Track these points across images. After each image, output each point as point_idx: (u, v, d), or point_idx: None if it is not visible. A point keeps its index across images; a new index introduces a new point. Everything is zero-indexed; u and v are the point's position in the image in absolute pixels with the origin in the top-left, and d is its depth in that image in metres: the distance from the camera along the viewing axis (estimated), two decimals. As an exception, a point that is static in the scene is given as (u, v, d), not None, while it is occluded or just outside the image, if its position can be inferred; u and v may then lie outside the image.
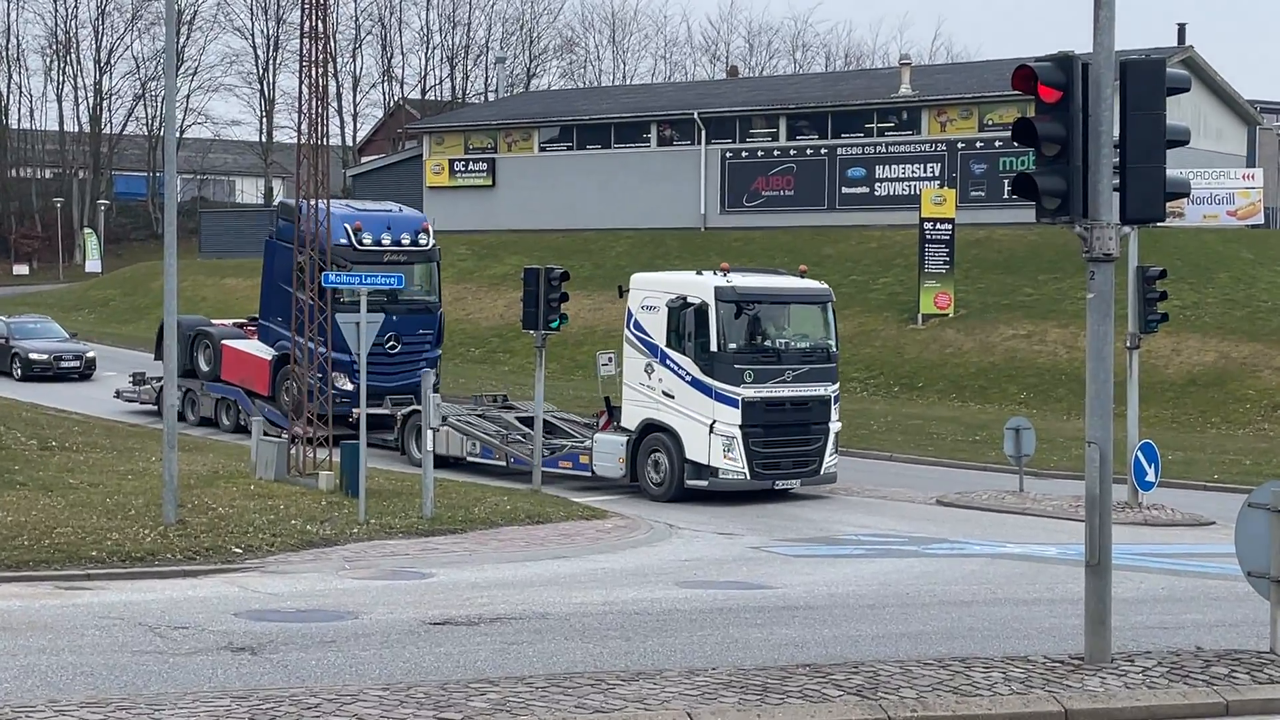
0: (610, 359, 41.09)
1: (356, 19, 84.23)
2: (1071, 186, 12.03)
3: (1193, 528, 24.44)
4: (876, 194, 50.44)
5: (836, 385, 26.90)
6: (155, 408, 34.19)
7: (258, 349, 33.25)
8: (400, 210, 33.35)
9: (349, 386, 29.64)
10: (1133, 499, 24.95)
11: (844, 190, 51.07)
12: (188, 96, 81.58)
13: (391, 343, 30.74)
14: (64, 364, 41.70)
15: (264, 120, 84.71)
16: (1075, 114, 12.02)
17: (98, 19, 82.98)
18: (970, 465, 31.21)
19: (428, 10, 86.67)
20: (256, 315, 35.95)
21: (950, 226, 42.75)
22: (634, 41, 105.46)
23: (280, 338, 31.53)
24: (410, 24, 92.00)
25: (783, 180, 52.23)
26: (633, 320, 26.75)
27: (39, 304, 60.93)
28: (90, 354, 42.86)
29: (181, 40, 78.80)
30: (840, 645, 13.30)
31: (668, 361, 25.96)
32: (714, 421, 25.42)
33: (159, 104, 79.48)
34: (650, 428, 26.20)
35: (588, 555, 19.63)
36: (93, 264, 70.13)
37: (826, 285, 27.87)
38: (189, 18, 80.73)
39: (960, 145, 48.90)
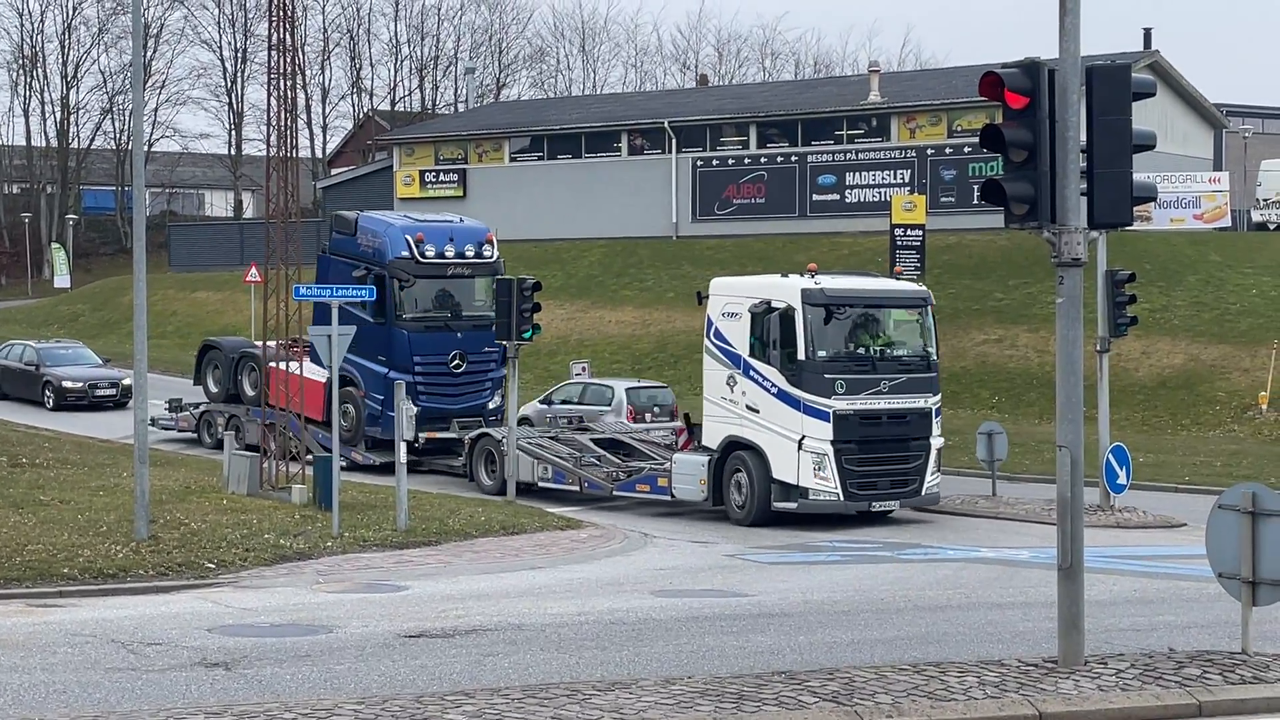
0: (584, 368, 41.06)
1: (325, 31, 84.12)
2: (1039, 192, 12.11)
3: (1164, 530, 24.56)
4: (847, 201, 50.57)
5: (938, 397, 24.96)
6: (194, 435, 32.84)
7: (310, 370, 29.99)
8: (461, 221, 31.54)
9: (412, 409, 29.02)
10: (1104, 502, 25.06)
11: (815, 197, 51.19)
12: (155, 110, 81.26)
13: (456, 361, 29.29)
14: (99, 392, 38.97)
15: (233, 133, 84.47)
16: (1042, 120, 12.09)
17: (64, 33, 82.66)
18: (943, 470, 31.28)
19: (396, 22, 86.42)
20: (297, 336, 34.69)
21: (921, 232, 42.87)
22: (604, 51, 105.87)
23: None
24: (379, 35, 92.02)
25: (754, 188, 52.32)
26: (712, 329, 25.02)
27: (8, 320, 60.59)
28: (126, 381, 39.14)
29: (149, 54, 78.50)
30: (816, 652, 13.33)
31: (751, 373, 24.20)
32: (803, 437, 23.60)
33: (127, 118, 79.18)
34: (734, 445, 24.35)
35: (563, 565, 19.62)
36: (61, 279, 69.73)
37: (925, 288, 25.82)
38: (156, 31, 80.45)
39: (930, 151, 49.07)
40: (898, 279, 25.63)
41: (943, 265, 45.55)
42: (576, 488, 26.45)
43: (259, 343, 33.16)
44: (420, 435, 28.62)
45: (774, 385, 23.91)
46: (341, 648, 13.43)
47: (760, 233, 51.10)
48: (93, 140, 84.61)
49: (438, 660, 12.84)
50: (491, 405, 29.82)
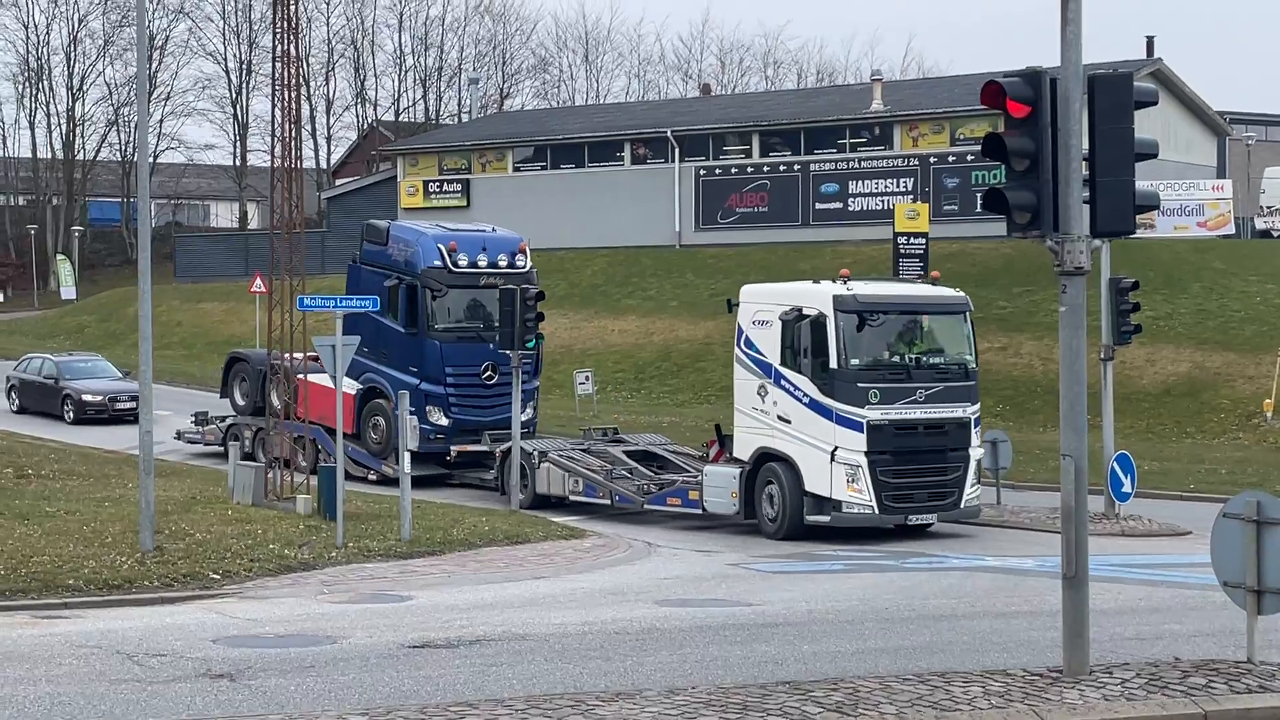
0: (587, 378, 41.00)
1: (329, 42, 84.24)
2: (1042, 201, 12.12)
3: (1170, 538, 24.52)
4: (850, 209, 50.59)
5: (977, 406, 24.14)
6: (221, 448, 31.42)
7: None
8: (494, 230, 31.00)
9: (444, 421, 28.49)
10: (1109, 510, 25.03)
11: (818, 206, 51.22)
12: (161, 121, 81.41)
13: (488, 373, 28.69)
14: (120, 405, 38.10)
15: (238, 144, 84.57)
16: (1044, 128, 12.11)
17: (69, 46, 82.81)
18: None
19: (400, 32, 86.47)
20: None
21: (924, 240, 42.85)
22: (607, 61, 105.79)
23: (366, 370, 29.30)
24: (383, 46, 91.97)
25: (756, 197, 52.34)
26: (743, 337, 24.27)
27: (14, 331, 60.68)
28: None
29: (154, 66, 78.65)
30: (820, 662, 13.32)
31: (783, 382, 23.45)
32: (835, 448, 22.84)
33: (132, 130, 79.31)
34: (765, 457, 23.65)
35: (566, 575, 19.61)
36: (67, 291, 69.84)
37: (963, 294, 24.83)
38: (161, 43, 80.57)
39: (932, 160, 49.09)
40: (935, 284, 24.75)
41: (946, 273, 45.32)
42: (607, 501, 25.89)
43: (287, 355, 33.52)
44: (451, 449, 28.50)
45: (806, 395, 23.19)
46: (346, 658, 13.43)
47: (763, 241, 51.13)
48: (98, 152, 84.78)
49: (442, 671, 12.84)
50: (524, 417, 28.85)
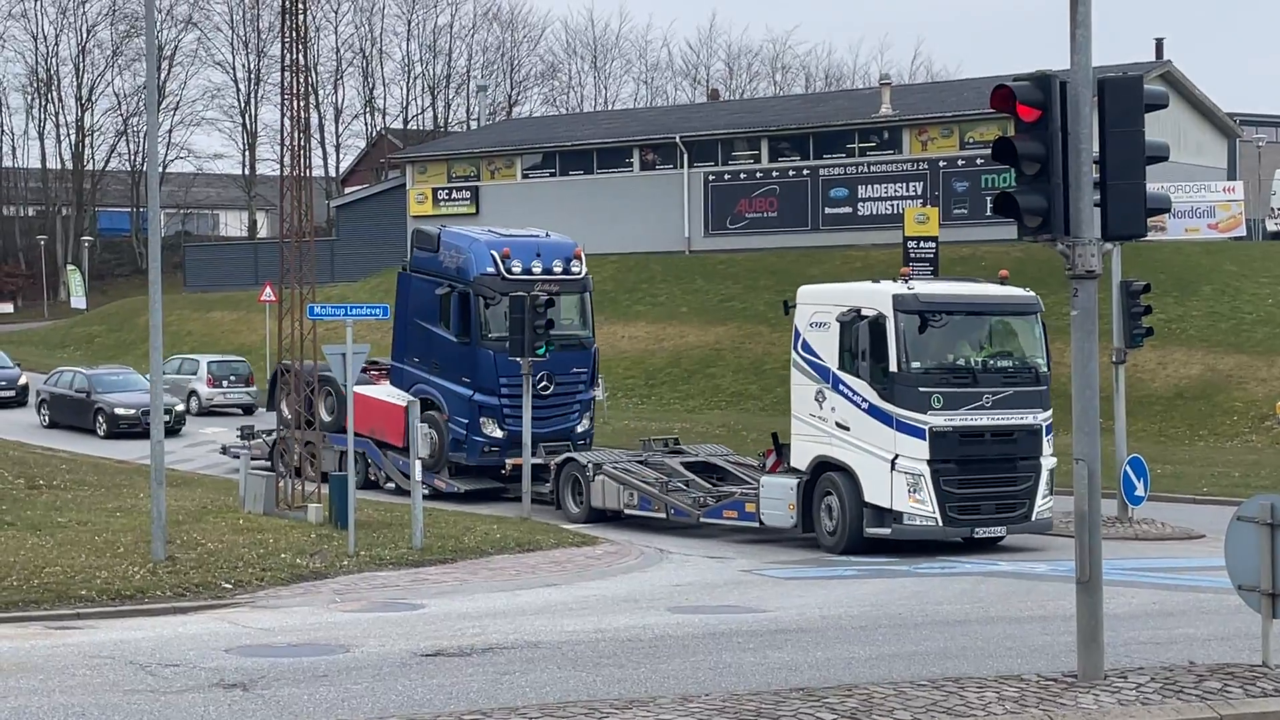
0: (599, 384, 40.90)
1: (338, 50, 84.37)
2: (1052, 204, 12.08)
3: (1183, 541, 24.46)
4: (860, 214, 50.55)
5: (1049, 413, 22.82)
6: (268, 463, 30.77)
7: (389, 394, 29.49)
8: (548, 235, 29.99)
9: (498, 434, 27.72)
10: (1122, 514, 24.96)
11: (827, 210, 51.18)
12: (170, 131, 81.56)
13: (544, 383, 27.73)
14: None
15: (246, 153, 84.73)
16: (1054, 132, 12.07)
17: (78, 56, 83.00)
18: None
19: (408, 40, 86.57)
20: (374, 359, 32.47)
21: (934, 245, 42.83)
22: (615, 67, 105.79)
23: (417, 381, 28.79)
24: (391, 55, 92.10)
25: (765, 202, 52.32)
26: (800, 340, 23.27)
27: (24, 342, 60.78)
28: (180, 407, 39.16)
29: (162, 75, 78.80)
30: (833, 668, 13.28)
31: (841, 387, 22.42)
32: (896, 456, 21.80)
33: (141, 140, 79.47)
34: (824, 466, 22.67)
35: (579, 582, 19.59)
36: (78, 301, 69.96)
37: (1033, 293, 23.65)
38: (170, 53, 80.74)
39: (942, 164, 49.04)
40: (1003, 283, 23.55)
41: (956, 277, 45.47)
42: (663, 514, 24.95)
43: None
44: (506, 461, 27.64)
45: (865, 400, 22.14)
46: (358, 667, 13.42)
47: (773, 246, 51.10)
48: (107, 162, 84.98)
49: (454, 679, 12.83)
50: (580, 429, 28.66)
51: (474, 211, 57.62)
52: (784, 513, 23.12)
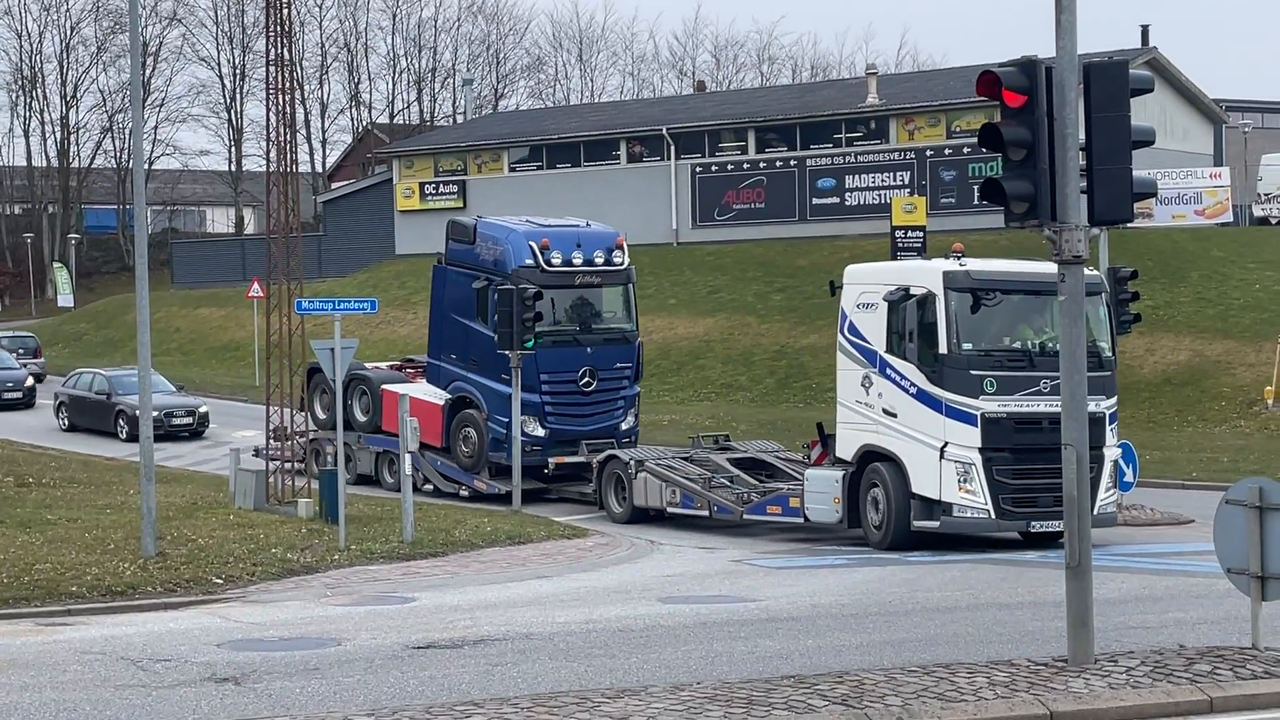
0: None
1: (323, 45, 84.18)
2: (1039, 190, 12.11)
3: (1173, 526, 24.52)
4: (847, 204, 50.57)
5: (1113, 400, 21.53)
6: (300, 466, 29.70)
7: (426, 393, 28.37)
8: (588, 225, 28.86)
9: (540, 432, 26.66)
10: (1112, 499, 24.98)
11: (814, 201, 51.20)
12: (155, 128, 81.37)
13: (586, 379, 26.89)
14: (176, 421, 36.66)
15: (233, 149, 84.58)
16: (1040, 118, 12.10)
17: (63, 53, 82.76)
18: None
19: (393, 35, 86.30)
20: (410, 356, 32.51)
21: (922, 234, 42.83)
22: (601, 59, 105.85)
23: (454, 378, 27.71)
24: (376, 49, 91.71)
25: (753, 193, 52.32)
26: (846, 323, 22.04)
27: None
28: (204, 409, 37.86)
29: (148, 72, 78.60)
30: (824, 655, 13.31)
31: (888, 371, 21.19)
32: (945, 444, 20.57)
33: (127, 136, 79.32)
34: (870, 456, 21.50)
35: (569, 574, 19.61)
36: (65, 299, 69.78)
37: (1097, 272, 22.08)
38: (154, 49, 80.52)
39: (929, 153, 49.07)
40: None
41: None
42: (705, 512, 23.86)
43: (370, 365, 31.21)
44: (549, 460, 26.84)
45: (913, 384, 20.84)
46: (350, 660, 13.42)
47: (761, 237, 51.11)
48: (93, 159, 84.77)
49: (446, 671, 12.83)
50: (624, 426, 27.67)
51: (461, 205, 57.56)
52: (829, 507, 21.98)
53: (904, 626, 15.07)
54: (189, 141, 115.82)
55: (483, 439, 27.19)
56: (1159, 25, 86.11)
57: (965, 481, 20.51)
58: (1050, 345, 20.66)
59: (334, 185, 74.91)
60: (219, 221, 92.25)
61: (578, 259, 27.05)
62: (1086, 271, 21.93)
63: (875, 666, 12.44)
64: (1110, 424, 21.40)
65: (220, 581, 18.35)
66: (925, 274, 21.09)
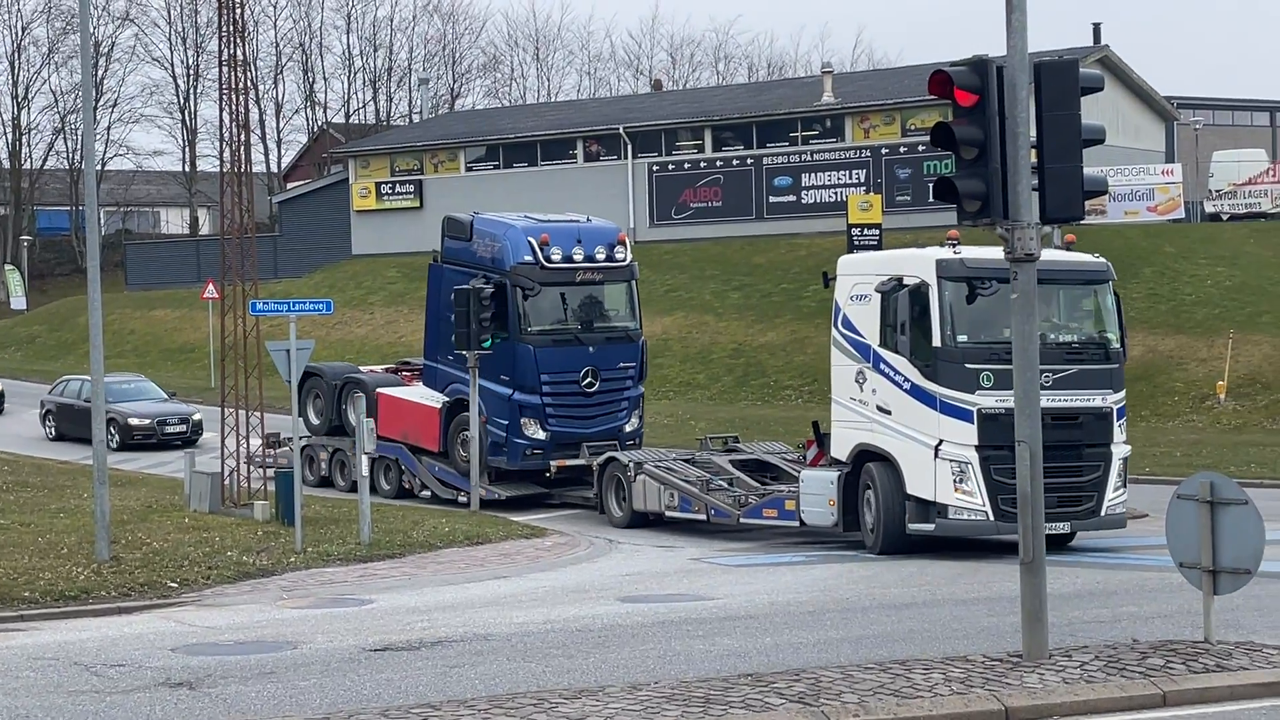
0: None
1: (277, 45, 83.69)
2: (991, 189, 12.19)
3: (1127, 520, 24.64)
4: (804, 202, 50.71)
5: (1121, 394, 20.71)
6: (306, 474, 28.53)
7: (423, 396, 27.60)
8: (589, 220, 28.01)
9: (541, 435, 25.80)
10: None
11: (771, 199, 51.31)
12: (108, 129, 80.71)
13: (589, 380, 25.97)
14: (169, 429, 35.66)
15: (187, 150, 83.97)
16: (992, 116, 12.17)
17: (13, 54, 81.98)
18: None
19: (348, 34, 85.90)
20: (405, 359, 31.82)
21: (878, 231, 43.02)
22: (558, 58, 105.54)
23: (452, 380, 26.66)
24: (331, 48, 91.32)
25: (710, 191, 52.39)
26: (840, 316, 21.05)
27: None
28: (197, 416, 36.42)
29: (100, 73, 77.97)
30: (782, 653, 13.34)
31: (882, 366, 20.23)
32: (940, 442, 19.58)
33: (79, 137, 78.65)
34: (865, 455, 20.54)
35: (528, 574, 19.59)
36: (17, 301, 69.14)
37: (1104, 260, 21.18)
38: (107, 50, 79.87)
39: (884, 151, 49.26)
40: (1068, 248, 20.98)
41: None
42: (703, 516, 22.98)
43: (364, 369, 30.57)
44: (551, 464, 26.03)
45: (906, 379, 19.88)
46: (306, 664, 13.36)
47: (718, 236, 51.19)
48: (45, 160, 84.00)
49: (403, 673, 12.79)
50: (628, 428, 26.72)
51: (418, 205, 57.41)
52: (824, 509, 21.01)
53: (861, 623, 15.13)
54: (143, 142, 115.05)
55: (482, 443, 26.22)
56: (1111, 23, 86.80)
57: (961, 482, 19.52)
58: (1051, 337, 19.98)
59: (289, 185, 74.52)
60: (173, 222, 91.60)
61: (578, 255, 26.24)
62: (1092, 258, 21.25)
63: (832, 664, 12.48)
64: (1119, 419, 20.48)
65: (175, 585, 18.23)
66: (918, 263, 20.08)
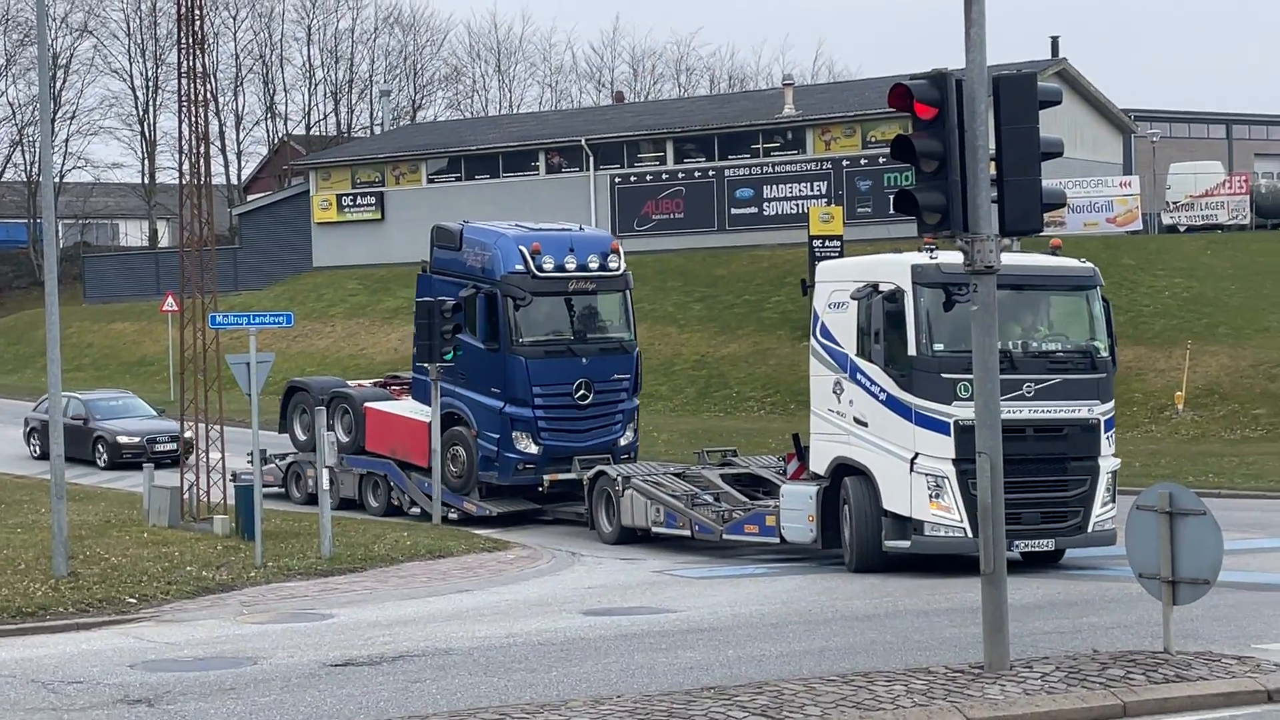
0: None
1: (237, 57, 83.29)
2: (951, 201, 12.25)
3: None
4: (765, 214, 50.81)
5: (1109, 405, 19.72)
6: (282, 489, 28.72)
7: (413, 410, 27.02)
8: (581, 229, 27.68)
9: (534, 449, 25.22)
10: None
11: (733, 211, 51.40)
12: (66, 141, 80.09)
13: (581, 392, 25.37)
14: (159, 448, 34.30)
15: (146, 162, 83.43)
16: (951, 129, 12.24)
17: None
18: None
19: (309, 46, 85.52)
20: (394, 372, 31.28)
21: (839, 243, 43.13)
22: (520, 70, 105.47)
23: (442, 394, 25.81)
24: (292, 60, 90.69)
25: (672, 203, 52.44)
26: (819, 325, 20.39)
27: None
28: (188, 434, 34.83)
29: (58, 84, 77.46)
30: (744, 666, 13.34)
31: (859, 376, 19.50)
32: (915, 455, 18.86)
33: (37, 150, 78.08)
34: (844, 469, 19.88)
35: (490, 587, 19.53)
36: (-26, 314, 68.56)
37: (1091, 265, 20.63)
38: (65, 61, 79.31)
39: (845, 163, 49.42)
40: (1054, 253, 20.27)
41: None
42: (688, 532, 22.38)
43: (352, 383, 30.05)
44: (544, 479, 25.44)
45: (882, 390, 19.15)
46: (267, 679, 13.27)
47: (680, 248, 51.22)
48: (2, 173, 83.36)
49: (364, 689, 12.73)
50: (623, 441, 26.16)
51: (379, 217, 57.25)
52: (804, 525, 20.38)
53: (824, 635, 15.14)
54: (101, 154, 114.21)
55: (472, 457, 25.84)
56: (1068, 36, 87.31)
57: (937, 497, 18.77)
58: (1034, 345, 19.53)
59: (250, 198, 74.16)
60: (132, 235, 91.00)
61: (570, 264, 25.63)
62: (1079, 263, 20.74)
63: (795, 676, 12.49)
64: (1106, 431, 19.67)
65: (134, 601, 18.08)
66: (894, 268, 19.36)
